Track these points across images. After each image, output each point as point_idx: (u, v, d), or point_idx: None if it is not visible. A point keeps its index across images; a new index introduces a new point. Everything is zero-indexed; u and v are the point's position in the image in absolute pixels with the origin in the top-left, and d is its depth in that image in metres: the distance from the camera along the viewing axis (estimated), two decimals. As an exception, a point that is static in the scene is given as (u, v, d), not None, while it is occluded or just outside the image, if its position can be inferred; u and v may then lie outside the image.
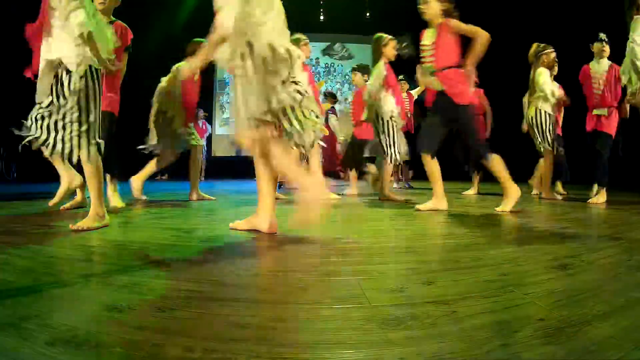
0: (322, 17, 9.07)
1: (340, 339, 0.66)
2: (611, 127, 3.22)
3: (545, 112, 3.36)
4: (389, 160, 3.29)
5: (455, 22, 2.42)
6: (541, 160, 3.69)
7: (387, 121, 3.24)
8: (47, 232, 1.73)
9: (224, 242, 1.52)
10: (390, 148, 3.25)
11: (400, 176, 5.77)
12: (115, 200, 2.51)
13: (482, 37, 2.36)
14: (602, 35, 3.26)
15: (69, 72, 1.65)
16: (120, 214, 2.28)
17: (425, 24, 2.56)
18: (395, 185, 5.65)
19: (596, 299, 0.85)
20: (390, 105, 3.25)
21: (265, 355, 0.61)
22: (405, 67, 5.50)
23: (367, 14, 9.05)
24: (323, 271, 1.08)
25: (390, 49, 3.29)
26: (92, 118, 1.71)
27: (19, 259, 1.22)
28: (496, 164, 2.45)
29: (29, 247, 1.39)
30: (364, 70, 3.99)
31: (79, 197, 2.50)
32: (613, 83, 3.21)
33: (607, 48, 3.25)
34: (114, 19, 2.39)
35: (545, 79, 3.31)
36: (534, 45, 3.47)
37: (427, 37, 2.51)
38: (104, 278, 1.00)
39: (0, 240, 1.49)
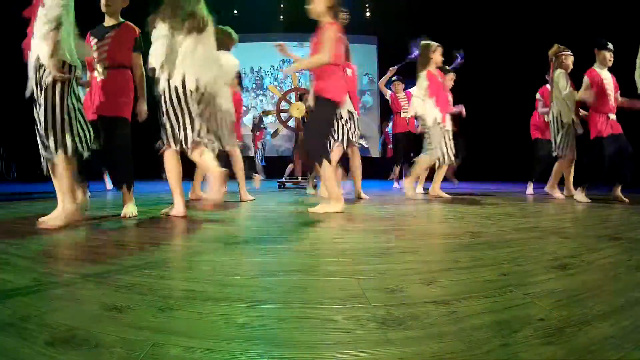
0: (322, 17, 9.07)
1: (340, 339, 0.66)
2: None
3: (560, 120, 3.43)
4: (440, 161, 3.46)
5: (332, 31, 2.43)
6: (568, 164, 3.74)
7: (432, 127, 3.38)
8: (47, 232, 1.73)
9: (224, 242, 1.52)
10: (439, 151, 3.43)
11: (398, 176, 5.77)
12: (129, 209, 2.31)
13: (320, 57, 2.42)
14: (610, 45, 3.28)
15: (43, 68, 1.69)
16: (120, 215, 2.28)
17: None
18: (396, 185, 5.65)
19: (596, 299, 0.85)
20: (432, 112, 3.38)
21: (265, 355, 0.61)
22: (404, 69, 5.53)
23: (367, 14, 9.06)
24: (323, 271, 1.08)
25: (438, 55, 3.48)
26: (60, 115, 1.72)
27: (19, 259, 1.22)
28: (328, 171, 2.47)
29: (29, 247, 1.39)
30: None
31: (80, 198, 2.48)
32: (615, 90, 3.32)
33: (612, 57, 3.29)
34: (122, 20, 2.37)
35: (564, 83, 3.37)
36: (555, 46, 3.51)
37: (313, 38, 2.59)
38: (104, 278, 1.00)
39: (0, 240, 1.50)
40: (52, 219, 1.78)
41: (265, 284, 0.98)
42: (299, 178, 5.15)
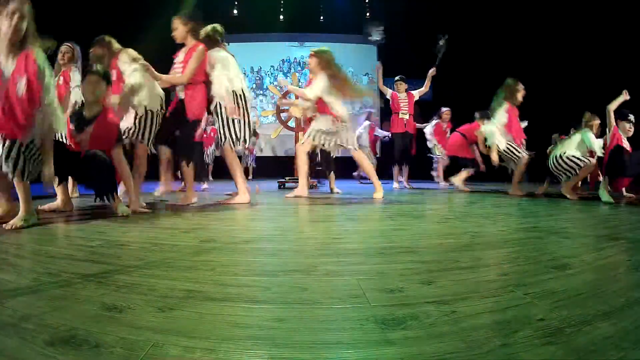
0: (321, 17, 9.06)
1: (340, 339, 0.66)
2: None
3: (575, 157, 3.73)
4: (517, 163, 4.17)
5: (198, 53, 2.79)
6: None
7: (504, 150, 4.15)
8: (47, 232, 1.73)
9: (224, 242, 1.52)
10: (514, 159, 4.19)
11: (401, 177, 5.77)
12: (121, 209, 2.35)
13: (178, 79, 2.78)
14: (632, 117, 3.64)
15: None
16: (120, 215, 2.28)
17: None
18: (396, 185, 5.65)
19: (596, 299, 0.85)
20: (502, 143, 4.10)
21: (265, 355, 0.61)
22: (403, 68, 5.54)
23: (367, 14, 9.06)
24: (323, 271, 1.08)
25: (520, 96, 4.16)
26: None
27: (19, 259, 1.22)
28: (186, 171, 2.94)
29: (29, 247, 1.39)
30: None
31: (59, 202, 2.47)
32: None
33: (633, 129, 3.64)
34: (102, 106, 2.41)
35: (594, 140, 3.71)
36: (587, 114, 3.92)
37: (179, 56, 2.89)
38: (104, 278, 1.00)
39: (0, 240, 1.50)
40: (16, 220, 1.80)
41: (265, 284, 0.98)
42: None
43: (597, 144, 3.67)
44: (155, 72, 2.66)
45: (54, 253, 1.30)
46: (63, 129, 1.93)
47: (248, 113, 3.05)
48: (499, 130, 4.10)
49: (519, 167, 4.18)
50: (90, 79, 2.33)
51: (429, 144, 6.38)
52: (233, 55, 3.05)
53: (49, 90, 1.80)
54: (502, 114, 4.09)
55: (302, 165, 3.61)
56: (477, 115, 4.76)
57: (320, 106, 3.59)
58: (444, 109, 6.33)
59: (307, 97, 3.50)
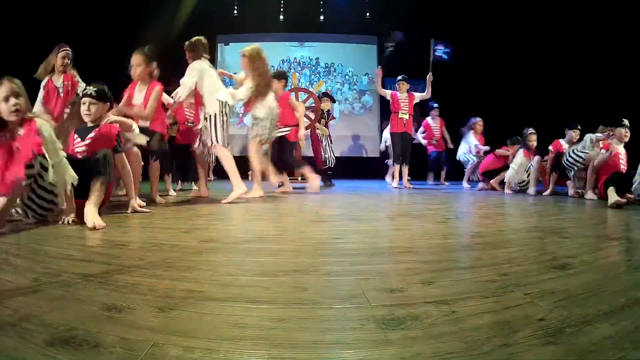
0: (322, 17, 9.06)
1: (340, 339, 0.66)
2: None
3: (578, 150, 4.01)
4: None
5: (156, 93, 3.01)
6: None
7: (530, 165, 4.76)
8: (47, 231, 1.73)
9: (224, 242, 1.52)
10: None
11: (399, 177, 5.77)
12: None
13: (143, 115, 2.98)
14: (626, 122, 3.71)
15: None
16: (121, 215, 2.28)
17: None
18: (395, 185, 5.66)
19: (596, 299, 0.85)
20: (517, 177, 4.89)
21: (265, 355, 0.61)
22: (404, 69, 5.54)
23: (367, 14, 9.05)
24: (323, 271, 1.08)
25: (534, 141, 4.79)
26: None
27: (19, 259, 1.22)
28: (153, 169, 3.16)
29: (29, 247, 1.39)
30: (281, 75, 4.61)
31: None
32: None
33: (629, 133, 3.72)
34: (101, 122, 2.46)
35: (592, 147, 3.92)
36: (602, 128, 4.14)
37: (136, 96, 3.07)
38: (104, 278, 1.00)
39: (0, 241, 1.50)
40: None
41: (265, 284, 0.98)
42: (299, 178, 5.20)
43: (589, 139, 3.85)
44: (124, 113, 2.78)
45: (54, 253, 1.30)
46: (74, 179, 1.98)
47: (227, 119, 3.21)
48: (516, 172, 4.85)
49: (534, 172, 4.74)
50: (85, 102, 2.32)
51: (461, 157, 6.19)
52: (213, 67, 3.25)
53: (57, 153, 1.91)
54: (520, 157, 4.83)
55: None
56: (509, 142, 5.29)
57: (246, 106, 3.76)
58: (476, 120, 6.08)
59: (238, 97, 3.58)
